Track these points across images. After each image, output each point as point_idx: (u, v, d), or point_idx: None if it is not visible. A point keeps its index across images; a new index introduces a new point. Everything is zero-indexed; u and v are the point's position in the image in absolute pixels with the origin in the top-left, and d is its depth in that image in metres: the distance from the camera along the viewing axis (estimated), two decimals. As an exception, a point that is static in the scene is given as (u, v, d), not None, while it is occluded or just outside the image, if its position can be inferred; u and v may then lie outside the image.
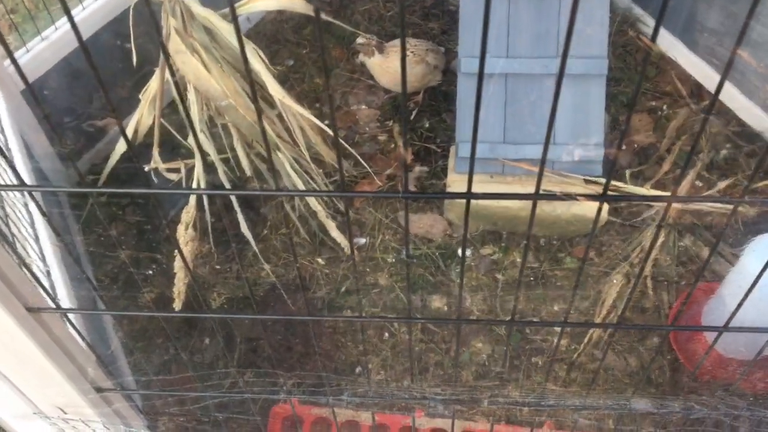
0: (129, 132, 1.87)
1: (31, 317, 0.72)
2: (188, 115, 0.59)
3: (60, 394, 0.82)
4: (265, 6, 1.92)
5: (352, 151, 1.89)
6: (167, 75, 1.85)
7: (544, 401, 0.98)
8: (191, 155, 1.77)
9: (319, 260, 2.04)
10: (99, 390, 0.86)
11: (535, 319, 1.92)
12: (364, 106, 2.41)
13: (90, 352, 0.84)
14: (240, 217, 1.70)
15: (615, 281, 1.95)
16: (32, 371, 0.78)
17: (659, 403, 0.96)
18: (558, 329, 1.90)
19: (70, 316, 0.78)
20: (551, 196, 0.59)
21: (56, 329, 0.77)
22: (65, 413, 0.85)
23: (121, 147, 1.89)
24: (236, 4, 1.97)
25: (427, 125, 2.35)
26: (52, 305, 0.72)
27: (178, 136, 1.82)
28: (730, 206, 1.99)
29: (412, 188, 2.21)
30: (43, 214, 0.58)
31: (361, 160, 1.80)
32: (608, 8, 2.04)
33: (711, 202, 2.03)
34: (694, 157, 2.21)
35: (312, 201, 1.99)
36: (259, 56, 1.82)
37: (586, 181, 2.06)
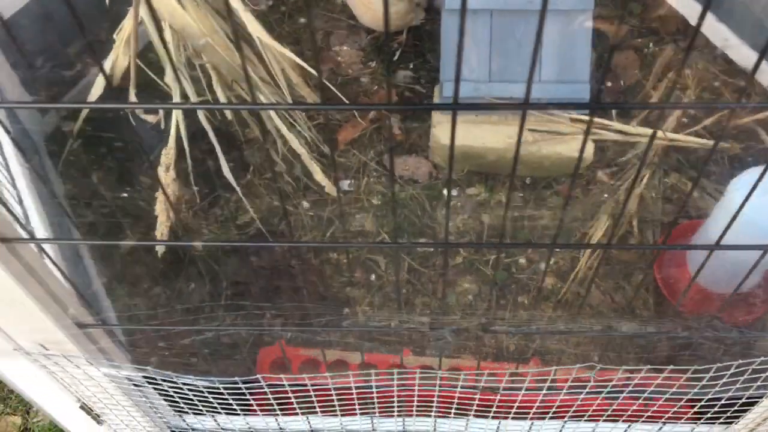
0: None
1: (4, 248, 0.69)
2: (166, 50, 0.56)
3: (40, 329, 0.80)
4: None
5: (337, 92, 1.86)
6: (141, 14, 1.79)
7: (526, 326, 0.98)
8: (170, 98, 1.72)
9: (305, 203, 2.01)
10: (81, 326, 0.84)
11: (513, 259, 1.92)
12: (346, 47, 2.35)
13: (69, 287, 0.82)
14: (221, 159, 1.67)
15: (601, 221, 1.95)
16: (9, 306, 0.76)
17: (642, 328, 0.97)
18: (543, 267, 1.90)
19: (48, 248, 0.75)
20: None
21: (32, 262, 0.74)
22: (46, 349, 0.84)
23: (97, 91, 1.84)
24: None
25: (411, 65, 2.30)
26: (26, 235, 0.69)
27: (156, 78, 1.77)
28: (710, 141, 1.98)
29: (396, 130, 2.18)
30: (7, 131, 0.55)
31: (345, 100, 1.76)
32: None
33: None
34: (680, 93, 2.20)
35: (296, 144, 1.96)
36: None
37: (572, 119, 2.04)
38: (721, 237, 0.72)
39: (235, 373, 1.58)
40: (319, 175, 1.98)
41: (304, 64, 1.84)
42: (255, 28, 1.82)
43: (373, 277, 1.90)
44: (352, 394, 1.00)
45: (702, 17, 0.52)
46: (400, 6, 2.23)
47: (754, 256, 1.75)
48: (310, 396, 1.01)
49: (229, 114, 1.99)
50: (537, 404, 0.93)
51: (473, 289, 1.88)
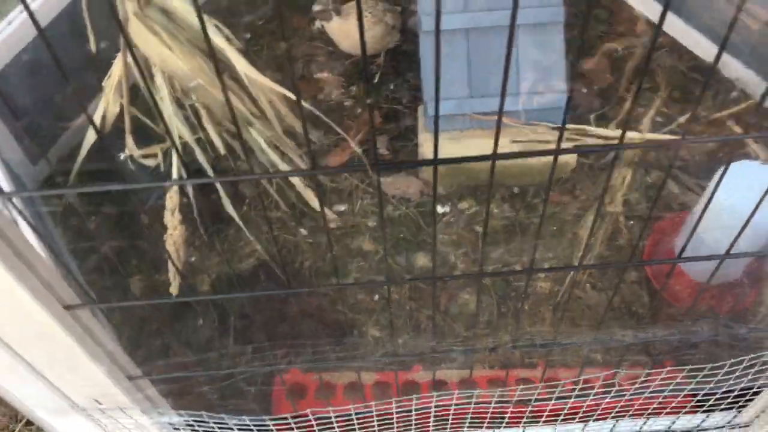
0: (95, 122, 1.84)
1: (68, 315, 0.73)
2: (153, 100, 0.61)
3: (95, 385, 0.84)
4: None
5: (324, 117, 1.90)
6: (129, 59, 1.83)
7: (533, 339, 1.03)
8: (164, 139, 1.76)
9: (302, 231, 2.06)
10: (130, 378, 0.88)
11: (509, 268, 1.98)
12: (326, 74, 2.40)
13: (116, 342, 0.86)
14: (224, 198, 1.70)
15: (589, 222, 2.02)
16: (69, 366, 0.79)
17: (645, 332, 1.03)
18: (541, 274, 1.96)
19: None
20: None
21: (89, 323, 0.78)
22: (100, 404, 0.87)
23: (90, 138, 1.87)
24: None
25: (391, 87, 2.36)
26: (84, 301, 0.73)
27: (150, 123, 1.80)
28: (693, 138, 2.07)
29: (383, 151, 2.23)
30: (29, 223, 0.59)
31: (335, 126, 1.81)
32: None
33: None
34: (652, 94, 2.29)
35: (287, 169, 2.00)
36: (222, 32, 1.80)
37: (553, 128, 2.11)
38: (731, 246, 0.79)
39: (250, 402, 1.61)
40: (313, 202, 2.03)
41: (290, 94, 1.89)
42: (241, 64, 1.87)
43: (376, 296, 1.94)
44: (373, 417, 1.05)
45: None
46: (376, 30, 2.29)
47: (740, 246, 1.83)
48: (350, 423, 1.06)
49: (221, 149, 2.02)
50: (565, 410, 0.99)
51: (473, 300, 1.94)
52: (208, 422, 0.88)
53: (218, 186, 1.70)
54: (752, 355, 0.90)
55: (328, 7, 2.22)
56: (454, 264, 2.00)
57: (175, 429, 1.01)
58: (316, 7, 2.24)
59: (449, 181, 2.14)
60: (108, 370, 0.83)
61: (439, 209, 2.11)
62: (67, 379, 0.82)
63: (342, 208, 2.11)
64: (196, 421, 0.88)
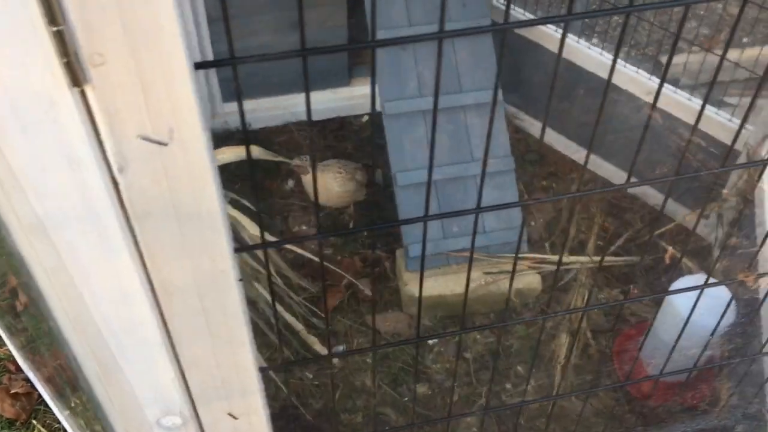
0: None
1: None
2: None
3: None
4: (228, 158, 2.14)
5: (316, 258, 2.12)
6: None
7: None
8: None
9: (308, 374, 2.20)
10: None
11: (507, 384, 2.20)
12: (304, 227, 2.64)
13: None
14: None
15: (562, 340, 2.30)
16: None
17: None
18: (530, 389, 2.19)
19: None
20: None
21: None
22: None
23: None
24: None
25: (365, 234, 2.62)
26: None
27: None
28: (633, 258, 2.42)
29: (368, 291, 2.45)
30: None
31: (334, 267, 2.02)
32: (503, 115, 2.48)
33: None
34: (589, 221, 2.67)
35: (292, 320, 2.18)
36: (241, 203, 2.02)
37: (517, 259, 2.42)
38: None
39: None
40: (317, 346, 2.20)
41: (294, 248, 2.10)
42: (248, 226, 2.08)
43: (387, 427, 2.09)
44: None
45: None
46: (349, 185, 2.58)
47: (694, 348, 2.13)
48: None
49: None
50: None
51: (475, 422, 2.13)
52: None
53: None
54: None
55: (305, 163, 2.50)
56: (451, 386, 2.19)
57: None
58: (295, 162, 2.51)
59: (433, 312, 2.38)
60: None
61: (429, 342, 2.33)
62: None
63: (340, 348, 2.29)
64: None
